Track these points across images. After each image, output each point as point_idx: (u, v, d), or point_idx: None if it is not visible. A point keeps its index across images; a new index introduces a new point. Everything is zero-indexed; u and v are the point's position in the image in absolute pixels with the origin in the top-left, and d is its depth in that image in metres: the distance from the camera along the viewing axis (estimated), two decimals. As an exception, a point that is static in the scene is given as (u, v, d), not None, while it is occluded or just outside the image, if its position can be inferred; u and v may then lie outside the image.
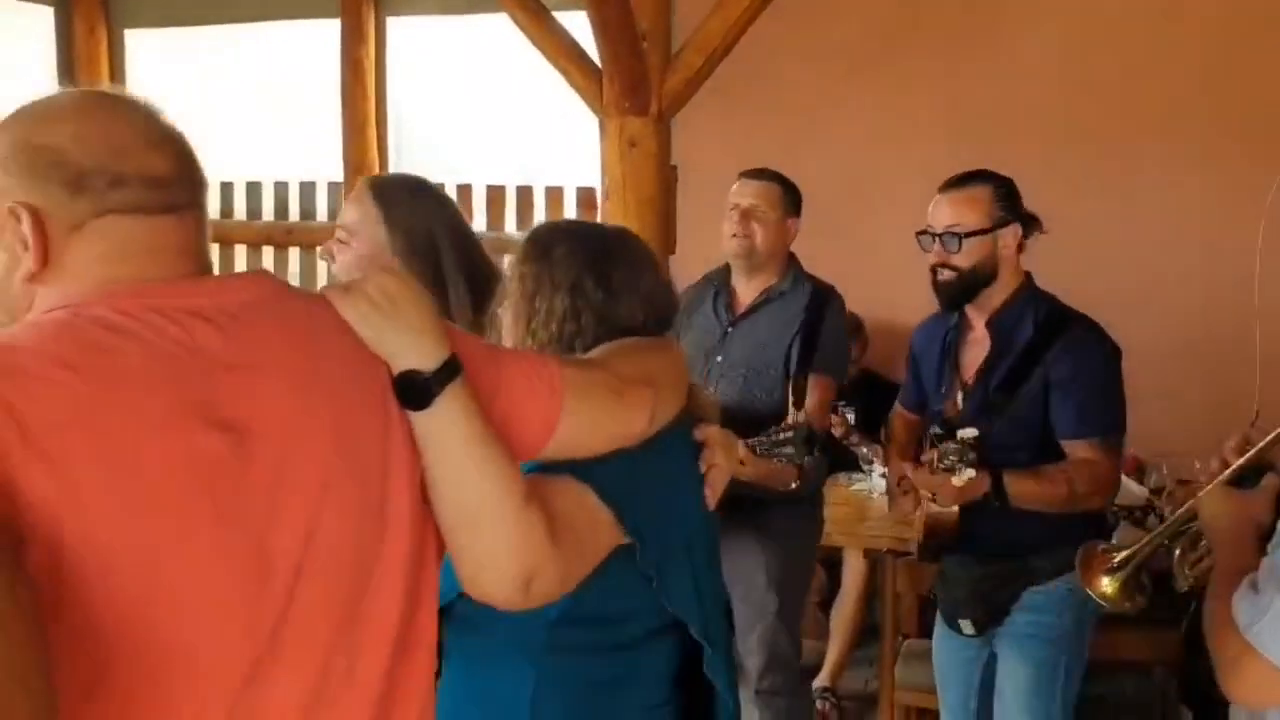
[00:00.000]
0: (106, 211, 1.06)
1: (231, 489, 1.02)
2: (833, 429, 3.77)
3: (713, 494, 1.58)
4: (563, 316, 1.52)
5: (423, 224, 1.88)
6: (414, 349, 1.14)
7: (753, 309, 3.16)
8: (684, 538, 1.54)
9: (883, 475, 3.82)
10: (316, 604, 1.07)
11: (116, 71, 5.74)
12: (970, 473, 2.38)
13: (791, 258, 3.21)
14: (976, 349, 2.62)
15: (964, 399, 2.62)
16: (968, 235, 2.49)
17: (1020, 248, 2.55)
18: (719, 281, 3.23)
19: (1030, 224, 2.55)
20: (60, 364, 0.98)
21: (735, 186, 3.17)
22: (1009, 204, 2.53)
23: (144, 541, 0.97)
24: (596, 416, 1.29)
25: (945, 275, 2.54)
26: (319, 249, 1.94)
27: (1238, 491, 1.74)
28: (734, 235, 3.10)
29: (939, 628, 2.77)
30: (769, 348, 3.10)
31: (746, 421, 3.03)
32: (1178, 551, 1.98)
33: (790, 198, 3.15)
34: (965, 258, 2.50)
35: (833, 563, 4.49)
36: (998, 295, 2.55)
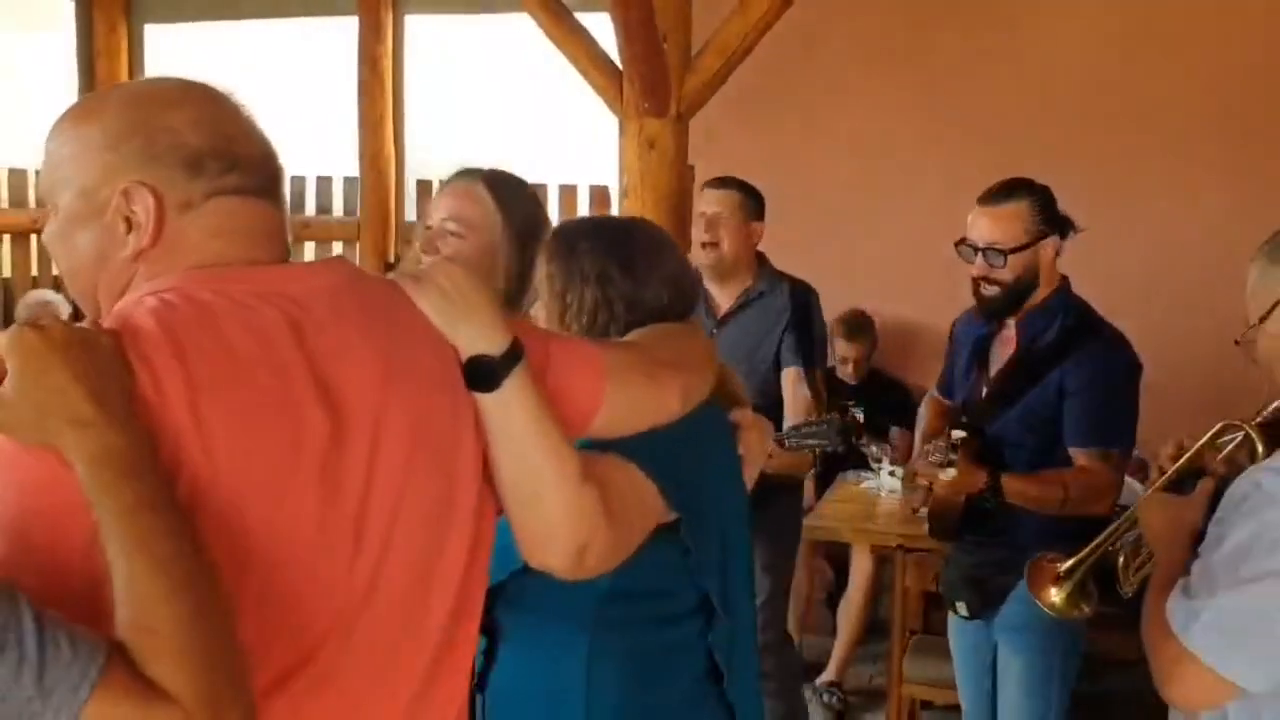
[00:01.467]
0: (217, 193, 1.11)
1: (335, 465, 1.07)
2: (841, 428, 3.83)
3: (750, 472, 1.66)
4: (594, 307, 1.59)
5: (533, 219, 1.93)
6: (483, 336, 1.21)
7: (734, 311, 3.27)
8: (720, 514, 1.60)
9: (891, 473, 3.89)
10: (397, 576, 1.12)
11: (136, 66, 5.78)
12: (951, 472, 2.48)
13: (761, 258, 3.32)
14: (1005, 346, 2.67)
15: (985, 391, 2.69)
16: (1012, 251, 2.52)
17: (1058, 252, 2.59)
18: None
19: (1066, 228, 2.59)
20: (193, 337, 1.03)
21: (701, 196, 3.29)
22: (1049, 214, 2.56)
23: (261, 514, 1.02)
24: (635, 397, 1.35)
25: (990, 290, 2.57)
26: (417, 244, 1.93)
27: (1173, 497, 1.77)
28: (702, 244, 3.22)
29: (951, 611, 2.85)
30: (758, 347, 3.21)
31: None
32: (1121, 558, 2.01)
33: (752, 203, 3.26)
34: (1009, 272, 2.53)
35: (840, 560, 4.55)
36: (1034, 297, 2.60)
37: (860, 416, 4.03)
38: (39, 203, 1.23)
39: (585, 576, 1.32)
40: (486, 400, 1.21)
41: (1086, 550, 2.17)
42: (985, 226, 2.56)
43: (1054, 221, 2.57)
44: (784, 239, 3.68)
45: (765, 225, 3.31)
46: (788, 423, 3.12)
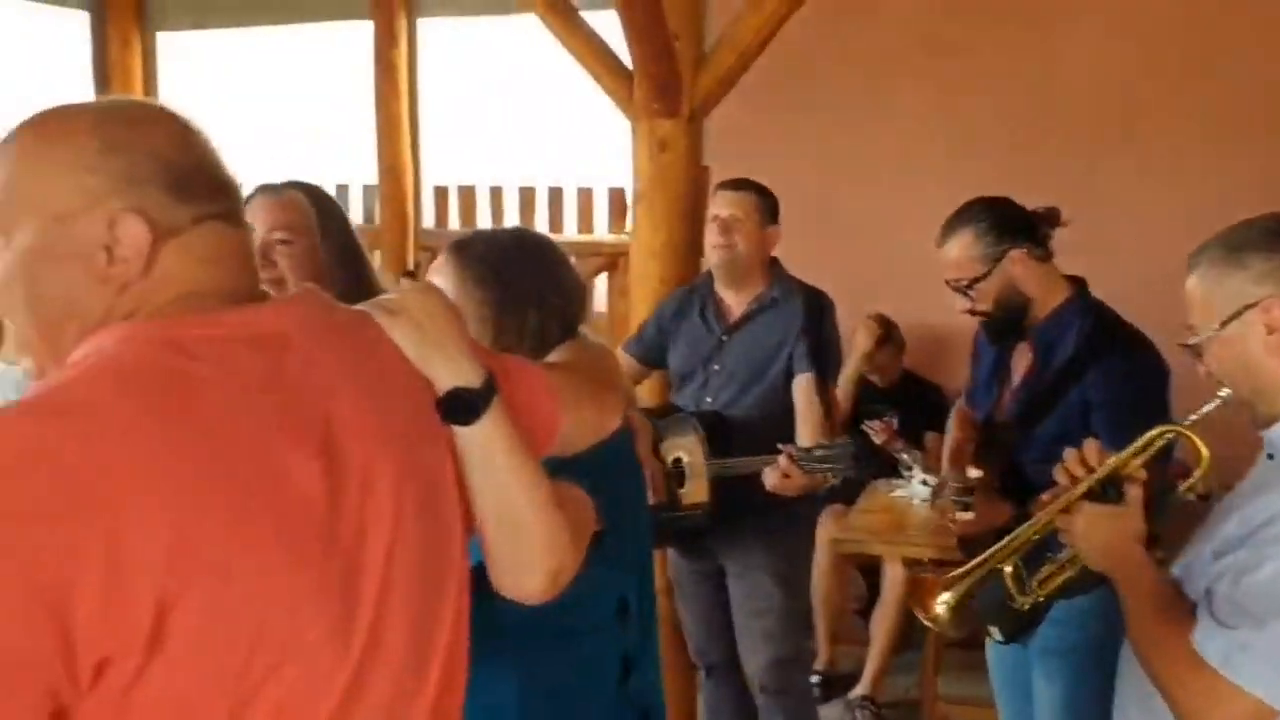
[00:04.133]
0: (205, 218, 1.03)
1: (329, 521, 1.01)
2: (874, 436, 3.71)
3: (653, 480, 1.82)
4: (536, 329, 1.61)
5: (346, 229, 2.07)
6: (460, 368, 1.19)
7: (746, 318, 3.17)
8: (632, 516, 1.68)
9: (923, 482, 3.75)
10: (399, 621, 1.07)
11: (149, 74, 5.76)
12: (968, 515, 2.46)
13: (775, 264, 3.23)
14: (1022, 358, 2.59)
15: (1008, 407, 2.59)
16: (971, 284, 2.48)
17: (1045, 257, 2.48)
18: (704, 291, 3.25)
19: (1041, 228, 2.48)
20: (146, 410, 0.93)
21: (715, 198, 3.20)
22: (999, 233, 2.47)
23: (250, 590, 0.94)
24: (583, 417, 1.37)
25: (980, 319, 2.56)
26: None
27: (1105, 508, 1.73)
28: (715, 246, 3.13)
29: None
30: (771, 355, 3.12)
31: (745, 428, 3.04)
32: (1008, 569, 1.95)
33: (767, 206, 3.16)
34: (983, 302, 2.50)
35: (871, 570, 4.41)
36: (1041, 309, 2.50)
37: (894, 421, 3.92)
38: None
39: (550, 598, 1.32)
40: (464, 433, 1.18)
41: (975, 562, 2.09)
42: (947, 263, 2.53)
43: (1010, 233, 2.47)
44: (804, 241, 3.56)
45: (781, 229, 3.21)
46: (800, 433, 3.02)
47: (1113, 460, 1.77)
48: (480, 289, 1.61)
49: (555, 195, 5.18)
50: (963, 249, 2.48)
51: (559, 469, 1.39)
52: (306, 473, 0.99)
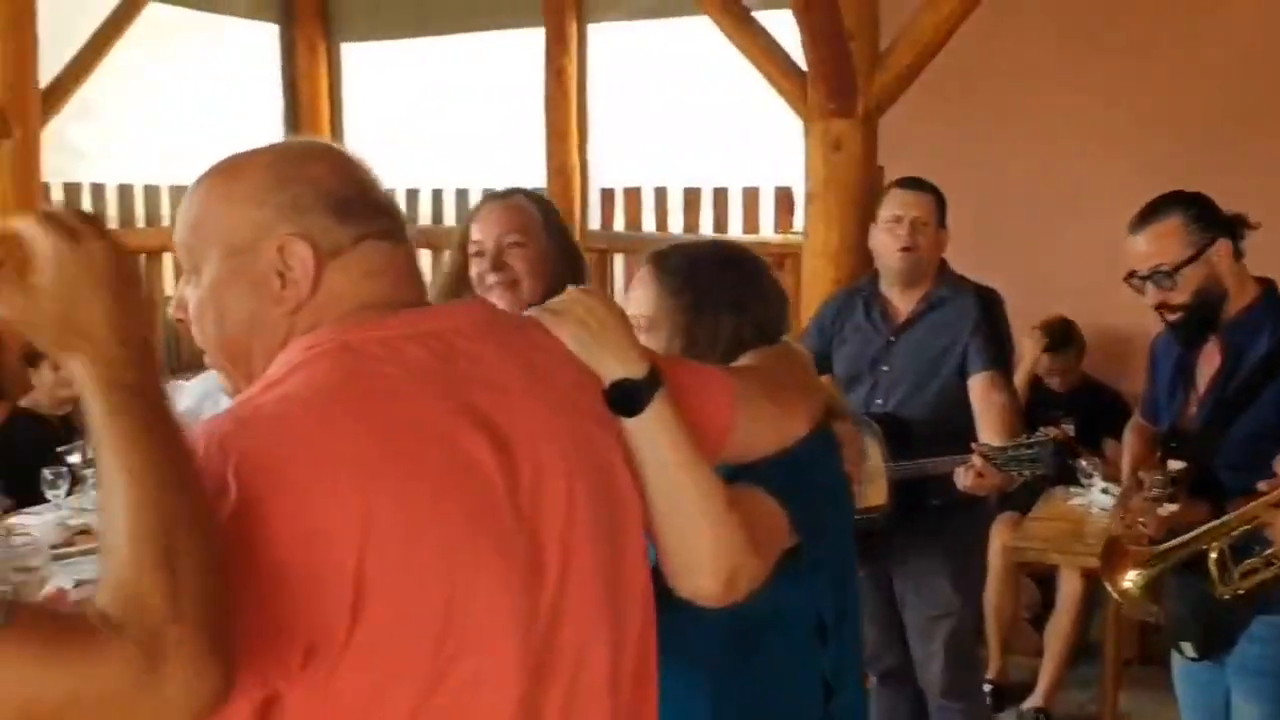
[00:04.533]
0: (365, 237, 1.11)
1: (509, 504, 1.07)
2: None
3: (858, 487, 1.70)
4: (731, 335, 1.58)
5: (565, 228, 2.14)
6: (623, 361, 1.23)
7: (917, 316, 3.11)
8: (835, 534, 1.61)
9: (1104, 490, 3.63)
10: (583, 599, 1.11)
11: (334, 82, 6.02)
12: (1172, 507, 2.28)
13: (943, 264, 3.16)
14: (1210, 361, 2.46)
15: (1195, 412, 2.47)
16: (1177, 269, 2.34)
17: (1239, 254, 2.38)
18: (868, 291, 3.19)
19: (1239, 228, 2.38)
20: (331, 403, 1.03)
21: (895, 197, 3.11)
22: (1207, 220, 2.36)
23: (440, 577, 1.01)
24: (763, 421, 1.37)
25: (1173, 316, 2.40)
26: (474, 268, 2.12)
27: None
28: (900, 248, 3.05)
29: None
30: (942, 354, 3.05)
31: (920, 429, 2.99)
32: (1213, 554, 1.85)
33: (943, 208, 3.11)
34: (1183, 292, 2.36)
35: (1045, 578, 4.29)
36: (1231, 307, 2.39)
37: (1070, 430, 3.80)
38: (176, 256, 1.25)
39: (728, 602, 1.32)
40: (630, 425, 1.23)
41: (1180, 540, 1.96)
42: (1143, 251, 2.38)
43: (1216, 225, 2.35)
44: (978, 241, 3.50)
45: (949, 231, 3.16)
46: (981, 432, 2.95)
47: None
48: (674, 298, 1.61)
49: (720, 195, 5.20)
50: (1168, 233, 2.36)
51: (745, 474, 1.40)
52: (485, 458, 1.05)
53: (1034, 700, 4.02)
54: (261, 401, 1.03)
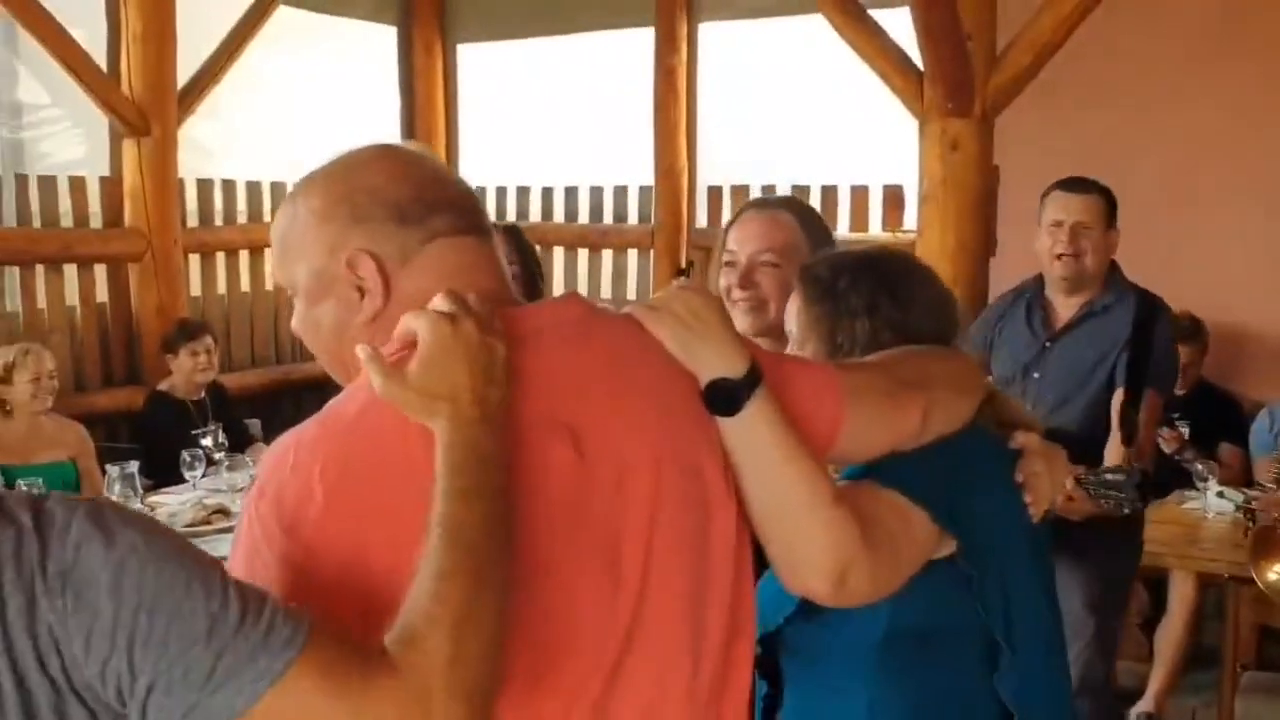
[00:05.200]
0: (434, 237, 1.11)
1: (584, 499, 1.07)
2: (1164, 444, 3.55)
3: (1034, 502, 1.55)
4: (868, 341, 1.54)
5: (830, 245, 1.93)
6: (722, 359, 1.19)
7: (1074, 324, 3.00)
8: (998, 544, 1.51)
9: (1219, 494, 3.58)
10: (664, 603, 1.11)
11: (449, 82, 6.17)
12: None
13: (1113, 267, 3.03)
14: None
15: None
16: None
17: None
18: (1031, 294, 3.09)
19: None
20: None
21: (1056, 200, 2.98)
22: None
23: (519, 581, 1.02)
24: (872, 416, 1.31)
25: None
26: (722, 280, 1.97)
27: None
28: (1061, 255, 2.93)
29: None
30: (1095, 364, 2.94)
31: (1066, 441, 2.90)
32: None
33: (1112, 209, 2.97)
34: None
35: (1157, 582, 4.23)
36: None
37: (1185, 432, 3.75)
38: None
39: (849, 604, 1.29)
40: (729, 425, 1.19)
41: None
42: None
43: None
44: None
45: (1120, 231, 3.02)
46: (1107, 453, 2.86)
47: None
48: (816, 306, 1.60)
49: (829, 193, 5.22)
50: None
51: (873, 473, 1.36)
52: (562, 461, 1.06)
53: (1144, 705, 3.96)
54: (343, 409, 1.07)
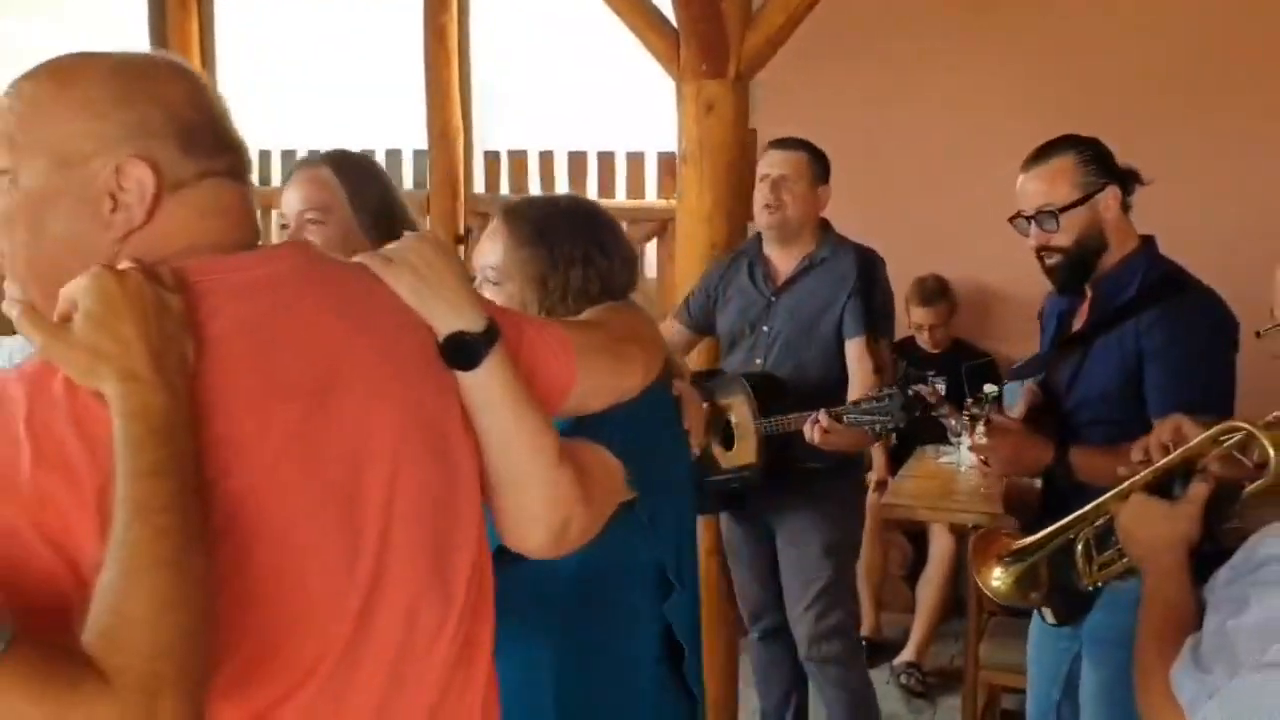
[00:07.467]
0: (210, 174, 1.06)
1: (312, 459, 1.03)
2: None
3: (696, 444, 1.76)
4: (580, 289, 1.61)
5: (384, 199, 2.00)
6: (460, 313, 1.18)
7: (795, 278, 3.15)
8: (673, 488, 1.65)
9: (971, 449, 3.70)
10: (407, 549, 1.09)
11: (205, 36, 5.81)
12: (980, 429, 2.42)
13: (825, 224, 3.20)
14: (1083, 315, 2.47)
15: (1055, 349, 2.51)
16: (1063, 210, 2.33)
17: (1126, 207, 2.39)
18: (752, 253, 3.24)
19: (1129, 180, 2.40)
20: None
21: (765, 156, 3.17)
22: (1099, 165, 2.37)
23: (252, 503, 0.99)
24: (601, 375, 1.36)
25: (1052, 259, 2.39)
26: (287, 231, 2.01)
27: (1159, 502, 1.62)
28: (765, 206, 3.11)
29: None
30: (820, 315, 3.10)
31: (797, 389, 3.02)
32: (1079, 546, 1.88)
33: (818, 166, 3.14)
34: (1066, 235, 2.35)
35: (918, 536, 4.39)
36: (1108, 260, 2.39)
37: (941, 387, 3.86)
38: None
39: (559, 554, 1.33)
40: (467, 379, 1.19)
41: (1044, 534, 2.01)
42: (1032, 190, 2.38)
43: (1109, 172, 2.37)
44: (854, 202, 3.53)
45: (831, 189, 3.18)
46: (851, 395, 3.00)
47: (1182, 450, 1.67)
48: (526, 249, 1.62)
49: (605, 160, 5.17)
50: (1060, 173, 2.34)
51: (581, 429, 1.42)
52: (283, 420, 1.02)
53: (906, 655, 4.12)
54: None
